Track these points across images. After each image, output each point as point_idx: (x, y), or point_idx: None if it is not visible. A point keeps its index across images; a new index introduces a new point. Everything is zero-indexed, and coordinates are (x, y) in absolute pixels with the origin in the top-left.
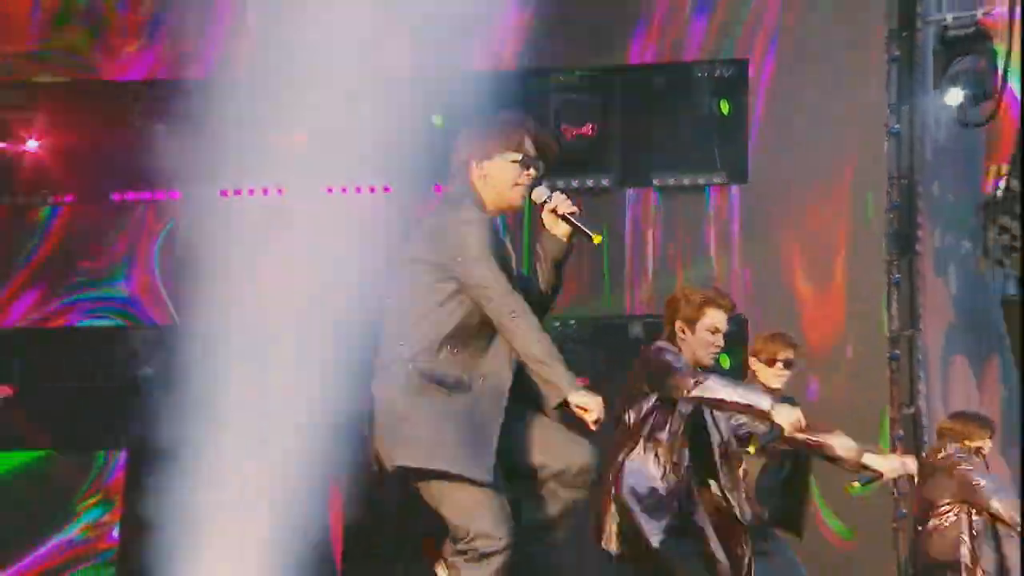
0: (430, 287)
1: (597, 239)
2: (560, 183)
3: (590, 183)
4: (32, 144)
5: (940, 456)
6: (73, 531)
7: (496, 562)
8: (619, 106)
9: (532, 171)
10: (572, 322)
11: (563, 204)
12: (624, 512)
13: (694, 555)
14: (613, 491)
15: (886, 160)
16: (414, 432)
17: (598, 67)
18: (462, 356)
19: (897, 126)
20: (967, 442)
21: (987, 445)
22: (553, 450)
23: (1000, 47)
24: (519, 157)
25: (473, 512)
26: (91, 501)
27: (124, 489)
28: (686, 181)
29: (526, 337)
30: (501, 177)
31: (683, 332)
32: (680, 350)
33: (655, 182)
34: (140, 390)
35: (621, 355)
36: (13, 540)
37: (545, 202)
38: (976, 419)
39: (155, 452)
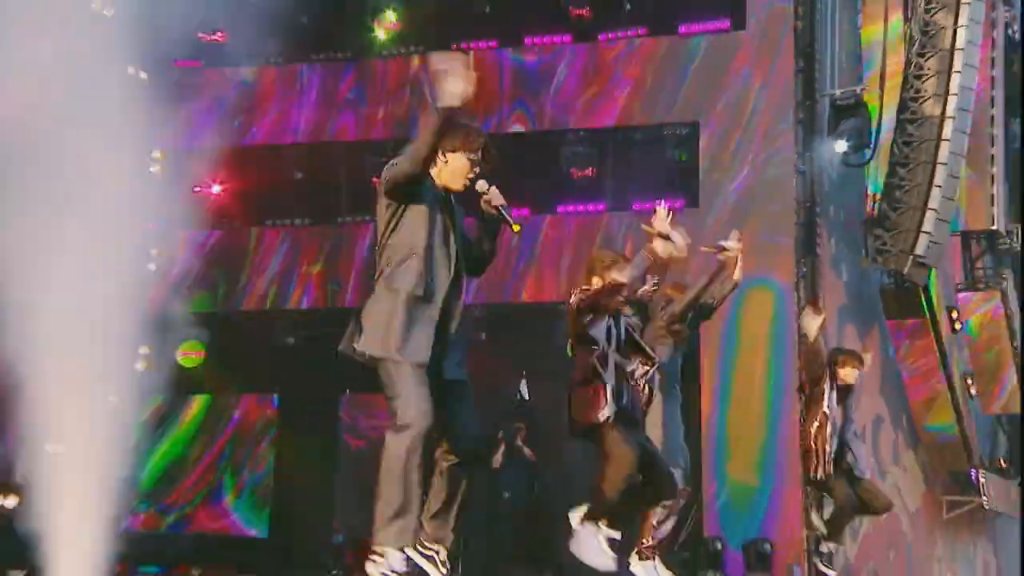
0: (382, 216)
1: (516, 228)
2: (570, 208)
3: (590, 208)
4: None
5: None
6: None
7: (408, 435)
8: (610, 155)
9: (477, 169)
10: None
11: (496, 197)
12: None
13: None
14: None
15: (795, 190)
16: (370, 324)
17: (594, 128)
18: (416, 266)
19: (803, 167)
20: (838, 367)
21: (853, 373)
22: (455, 429)
23: (874, 109)
24: (475, 157)
25: (403, 395)
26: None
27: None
28: (657, 206)
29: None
30: (457, 166)
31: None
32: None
33: (634, 207)
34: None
35: None
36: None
37: (484, 193)
38: (848, 353)
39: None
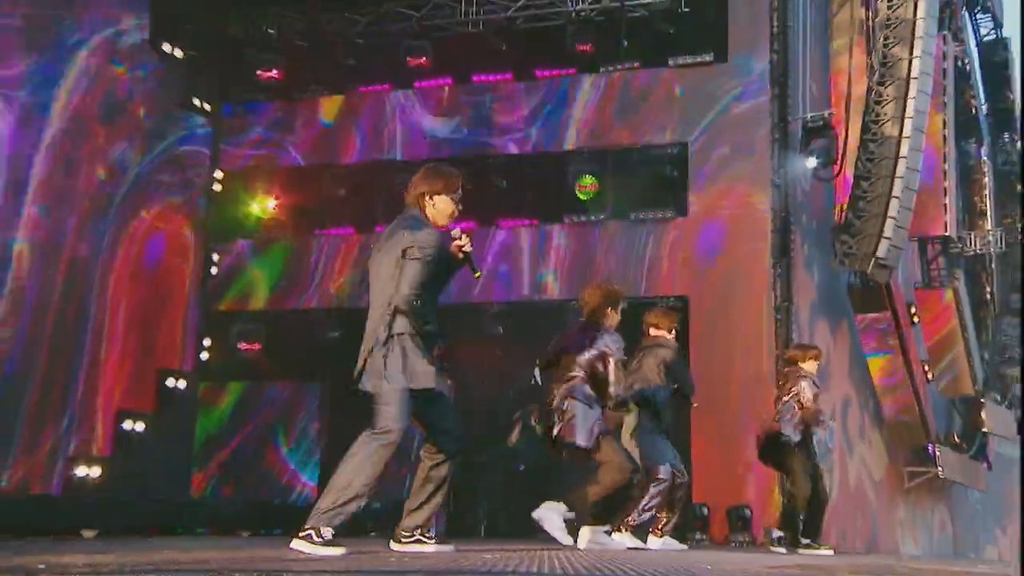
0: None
1: (477, 275)
2: (575, 218)
3: (593, 218)
4: None
5: (785, 369)
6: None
7: (385, 440)
8: (611, 172)
9: (460, 207)
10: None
11: (465, 244)
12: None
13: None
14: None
15: (771, 201)
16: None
17: (597, 148)
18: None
19: (778, 180)
20: (800, 362)
21: (812, 365)
22: (439, 436)
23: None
24: (457, 198)
25: (385, 412)
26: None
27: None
28: (652, 215)
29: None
30: (443, 208)
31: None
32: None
33: (631, 216)
34: None
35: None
36: None
37: (457, 239)
38: (807, 347)
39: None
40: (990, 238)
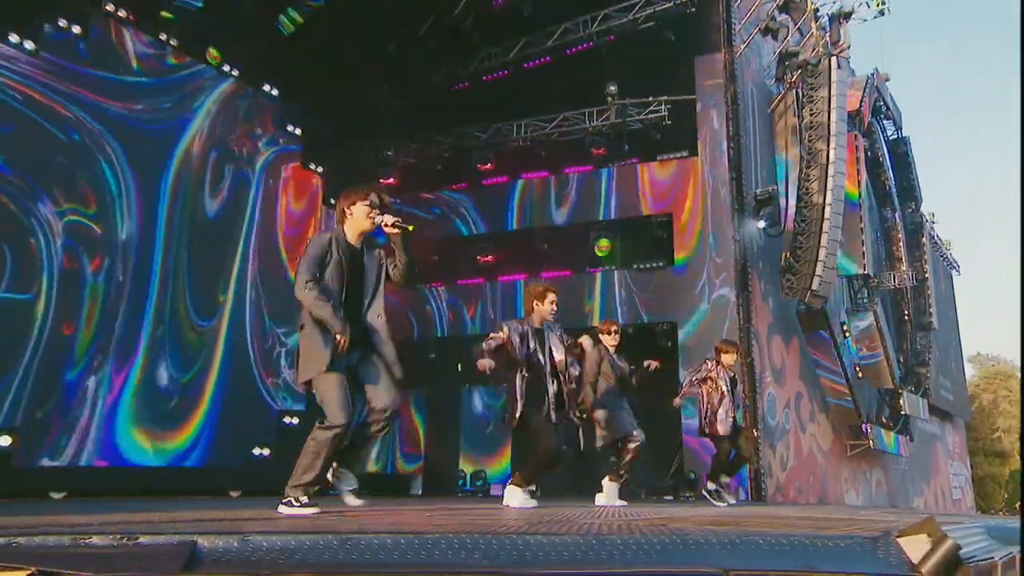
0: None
1: (411, 227)
2: (596, 268)
3: (608, 268)
4: None
5: (706, 361)
6: None
7: (332, 432)
8: (619, 235)
9: (375, 210)
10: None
11: (388, 218)
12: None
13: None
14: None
15: (733, 253)
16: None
17: (610, 220)
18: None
19: (738, 237)
20: (722, 354)
21: (732, 357)
22: (375, 392)
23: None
24: (368, 203)
25: (329, 402)
26: None
27: None
28: (649, 265)
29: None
30: (359, 214)
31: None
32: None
33: (634, 266)
34: None
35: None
36: None
37: (383, 223)
38: (729, 343)
39: None
40: (905, 276)
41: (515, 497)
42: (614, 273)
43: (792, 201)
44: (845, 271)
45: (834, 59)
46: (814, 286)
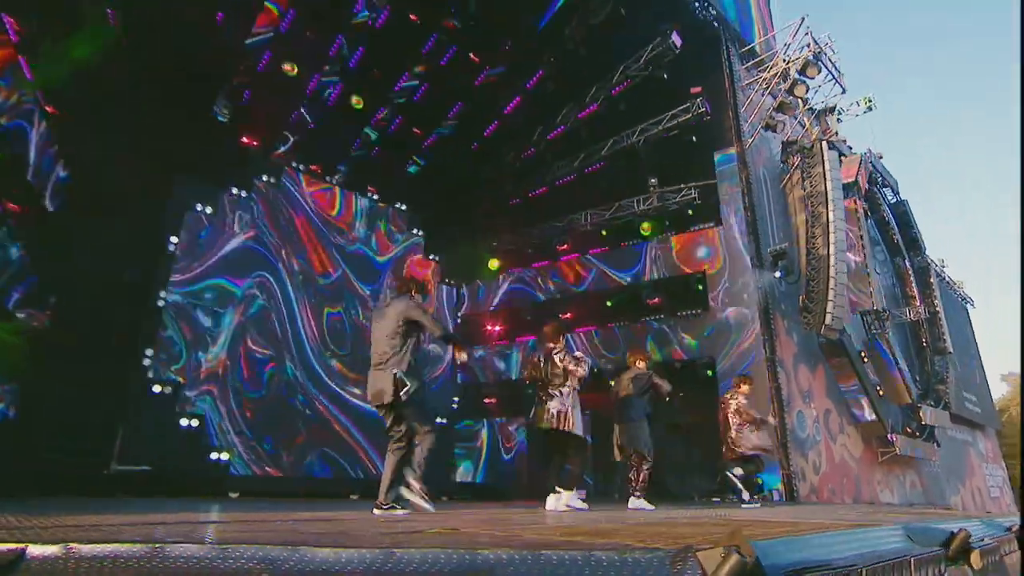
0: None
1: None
2: (647, 319)
3: (656, 317)
4: None
5: (728, 393)
6: None
7: (431, 438)
8: (665, 292)
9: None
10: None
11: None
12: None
13: None
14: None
15: (756, 298)
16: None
17: (656, 279)
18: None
19: (759, 285)
20: (740, 387)
21: (745, 387)
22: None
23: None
24: (427, 288)
25: (423, 417)
26: None
27: None
28: (689, 312)
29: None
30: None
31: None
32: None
33: (678, 314)
34: None
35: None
36: None
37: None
38: (744, 376)
39: None
40: (919, 310)
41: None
42: (662, 320)
43: (804, 255)
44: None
45: (824, 143)
46: (827, 321)
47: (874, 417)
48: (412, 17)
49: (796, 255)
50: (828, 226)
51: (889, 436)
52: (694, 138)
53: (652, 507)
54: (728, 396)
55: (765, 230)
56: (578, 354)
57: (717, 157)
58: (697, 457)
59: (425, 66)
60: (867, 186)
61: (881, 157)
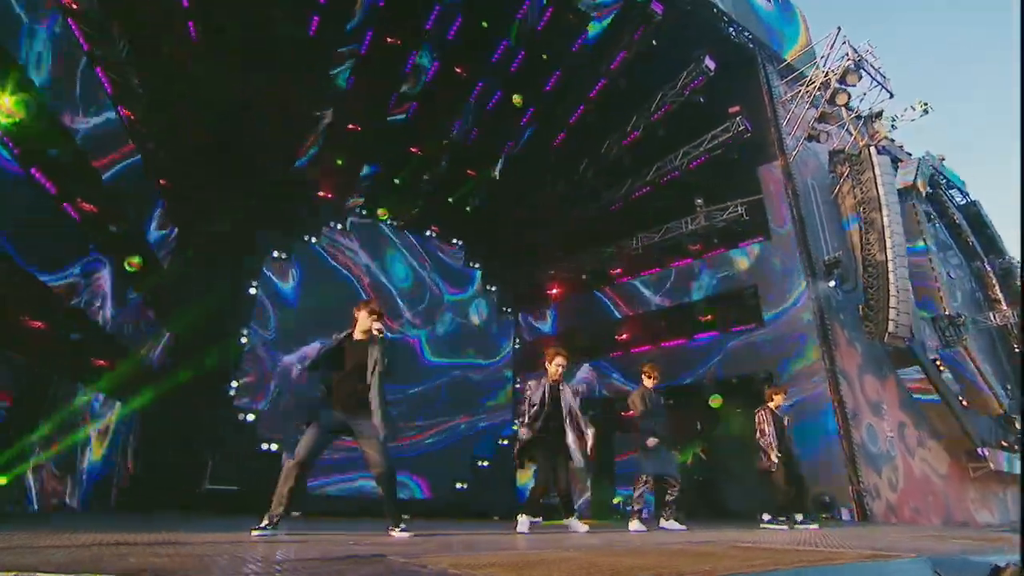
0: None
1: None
2: (699, 335)
3: (711, 335)
4: None
5: (759, 408)
6: None
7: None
8: (719, 307)
9: (375, 316)
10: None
11: (379, 330)
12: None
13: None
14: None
15: (812, 308)
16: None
17: (709, 297)
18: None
19: (813, 296)
20: (773, 397)
21: (779, 399)
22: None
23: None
24: (368, 312)
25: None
26: None
27: None
28: (744, 328)
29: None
30: (362, 320)
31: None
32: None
33: (731, 330)
34: None
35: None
36: None
37: (379, 332)
38: (773, 388)
39: None
40: (1007, 314)
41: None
42: (720, 336)
43: (860, 263)
44: (928, 313)
45: (872, 148)
46: (890, 329)
47: (957, 430)
48: (458, 70)
49: (852, 264)
50: (884, 231)
51: (979, 450)
52: (737, 156)
53: (684, 527)
54: (760, 411)
55: (817, 241)
56: (580, 387)
57: (761, 172)
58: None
59: (474, 113)
60: (929, 189)
61: (943, 159)
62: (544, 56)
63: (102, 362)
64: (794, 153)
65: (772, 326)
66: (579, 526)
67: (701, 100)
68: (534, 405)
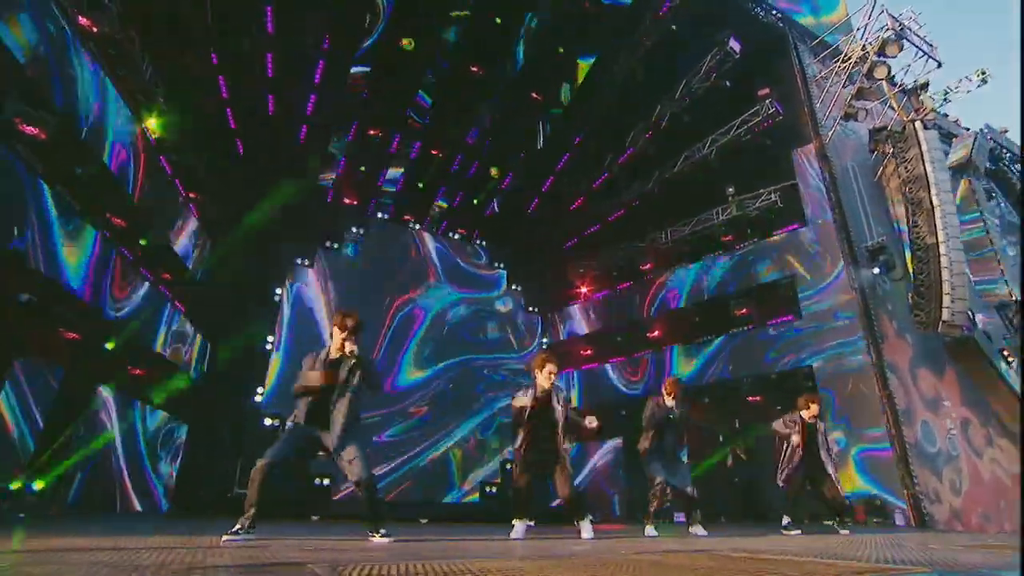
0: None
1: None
2: (734, 329)
3: (746, 328)
4: None
5: (788, 415)
6: None
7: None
8: (754, 297)
9: (345, 334)
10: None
11: (352, 353)
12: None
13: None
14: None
15: (855, 299)
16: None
17: (741, 288)
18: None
19: (855, 285)
20: (809, 405)
21: (814, 409)
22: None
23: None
24: (344, 326)
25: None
26: None
27: None
28: (780, 321)
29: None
30: (335, 337)
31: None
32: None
33: (767, 325)
34: None
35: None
36: None
37: (352, 351)
38: (808, 396)
39: None
40: None
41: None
42: (755, 330)
43: (909, 249)
44: (991, 298)
45: (918, 123)
46: (944, 317)
47: None
48: (474, 68)
49: (899, 249)
50: (933, 211)
51: None
52: (768, 141)
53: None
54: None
55: (858, 226)
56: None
57: (796, 156)
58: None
59: (490, 114)
60: (989, 164)
61: (1006, 132)
62: (560, 50)
63: (138, 371)
64: (830, 134)
65: (811, 318)
66: (588, 529)
67: (727, 84)
68: (519, 426)
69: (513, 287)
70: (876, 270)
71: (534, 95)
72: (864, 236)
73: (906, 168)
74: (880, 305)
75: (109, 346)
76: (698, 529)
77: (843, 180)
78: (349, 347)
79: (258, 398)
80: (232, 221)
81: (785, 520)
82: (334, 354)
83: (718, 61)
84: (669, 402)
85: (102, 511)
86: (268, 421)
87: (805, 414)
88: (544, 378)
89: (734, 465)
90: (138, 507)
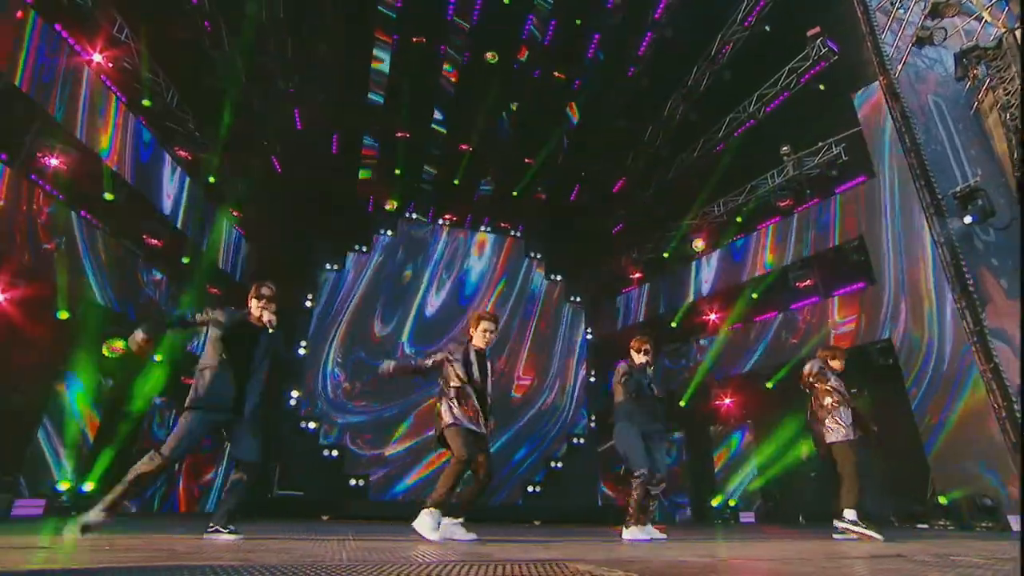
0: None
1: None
2: (797, 303)
3: (812, 300)
4: None
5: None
6: None
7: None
8: (819, 265)
9: (263, 302)
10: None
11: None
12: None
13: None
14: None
15: (941, 255)
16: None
17: (809, 256)
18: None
19: (942, 239)
20: (830, 360)
21: (838, 364)
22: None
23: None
24: (259, 295)
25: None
26: None
27: None
28: (850, 289)
29: None
30: (253, 306)
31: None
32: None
33: (834, 295)
34: None
35: None
36: None
37: (270, 320)
38: (833, 348)
39: None
40: None
41: (425, 524)
42: (822, 301)
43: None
44: None
45: (1017, 32)
46: None
47: None
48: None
49: (1005, 192)
50: None
51: None
52: (823, 86)
53: (650, 538)
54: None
55: (944, 170)
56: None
57: (858, 99)
58: (896, 472)
59: (517, 101)
60: None
61: None
62: (578, 21)
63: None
64: (899, 67)
65: (886, 283)
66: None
67: (767, 29)
68: (459, 374)
69: (552, 276)
70: (968, 219)
71: (556, 74)
72: (954, 181)
73: (1004, 90)
74: (978, 260)
75: (158, 357)
76: (636, 533)
77: (921, 119)
78: (268, 317)
79: (292, 402)
80: (268, 232)
81: (851, 516)
82: (254, 321)
83: (754, 4)
84: (641, 358)
85: (156, 512)
86: (303, 424)
87: (834, 364)
88: (480, 337)
89: (809, 458)
90: (196, 507)
